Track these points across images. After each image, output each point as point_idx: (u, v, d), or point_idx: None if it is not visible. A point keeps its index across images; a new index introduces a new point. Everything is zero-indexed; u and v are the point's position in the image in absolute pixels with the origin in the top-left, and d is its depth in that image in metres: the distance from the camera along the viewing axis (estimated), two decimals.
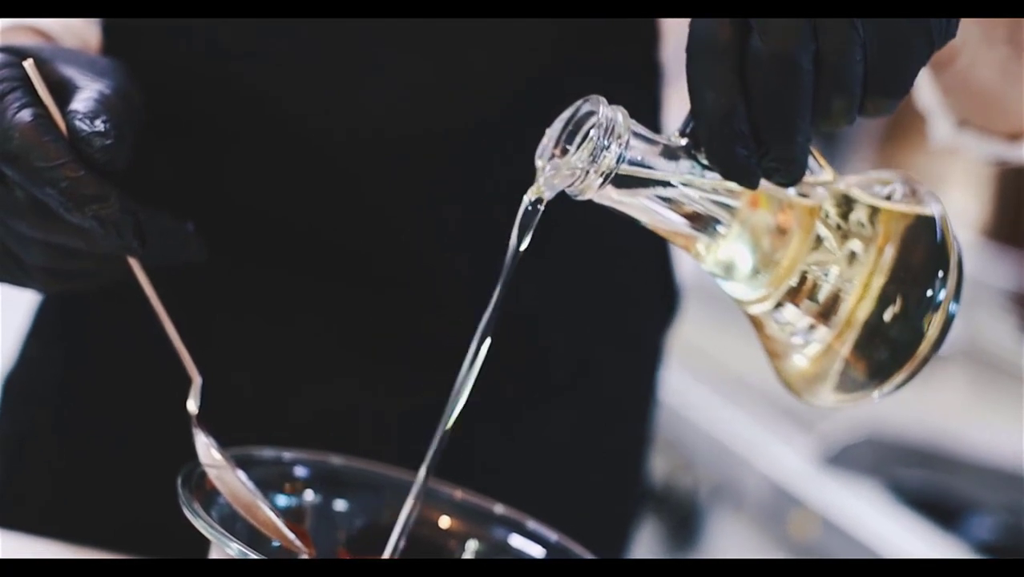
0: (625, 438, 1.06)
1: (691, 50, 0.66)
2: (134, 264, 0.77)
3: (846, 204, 0.72)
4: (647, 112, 0.96)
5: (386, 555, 0.75)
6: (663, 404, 1.88)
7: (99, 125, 0.74)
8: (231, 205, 0.93)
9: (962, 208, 3.27)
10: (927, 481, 1.73)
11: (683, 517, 1.85)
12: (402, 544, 0.75)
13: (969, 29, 0.83)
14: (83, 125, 0.74)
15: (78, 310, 0.99)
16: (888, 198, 0.72)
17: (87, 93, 0.76)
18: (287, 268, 0.94)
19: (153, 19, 0.90)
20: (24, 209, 0.76)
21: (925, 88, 0.99)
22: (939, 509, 1.65)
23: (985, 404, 2.27)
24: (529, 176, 0.72)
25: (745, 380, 1.91)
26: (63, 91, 0.77)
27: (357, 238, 0.93)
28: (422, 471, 0.75)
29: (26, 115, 0.74)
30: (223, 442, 0.78)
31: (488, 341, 0.74)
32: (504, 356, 0.96)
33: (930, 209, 0.72)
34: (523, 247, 0.72)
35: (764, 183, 0.68)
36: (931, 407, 2.10)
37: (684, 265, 1.04)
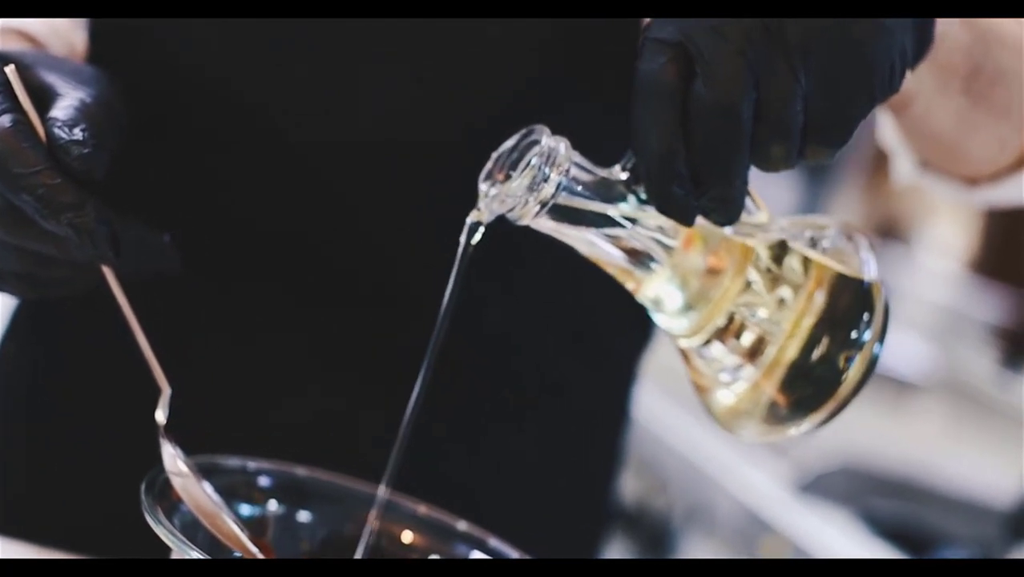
0: (596, 457, 1.07)
1: (636, 89, 0.68)
2: (108, 273, 0.77)
3: (779, 249, 0.74)
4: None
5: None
6: (639, 425, 1.89)
7: (78, 134, 0.75)
8: (214, 213, 0.93)
9: (949, 241, 3.28)
10: (900, 511, 1.74)
11: (655, 538, 1.86)
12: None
13: (923, 79, 0.84)
14: (62, 133, 0.75)
15: (53, 315, 1.00)
16: (817, 243, 0.74)
17: (68, 101, 0.76)
18: (266, 279, 0.94)
19: (140, 22, 0.90)
20: (0, 215, 0.76)
21: (887, 128, 1.00)
22: (911, 540, 1.66)
23: (962, 436, 2.29)
24: None
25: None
26: (44, 98, 0.77)
27: (339, 250, 0.93)
28: (382, 486, 0.76)
29: (5, 120, 0.74)
30: (193, 452, 0.78)
31: (434, 354, 0.77)
32: (475, 373, 0.98)
33: (860, 257, 0.74)
34: (466, 257, 0.75)
35: (701, 222, 0.70)
36: (908, 437, 2.11)
37: None
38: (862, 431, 1.99)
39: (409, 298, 0.93)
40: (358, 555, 0.77)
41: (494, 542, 0.81)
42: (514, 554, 0.80)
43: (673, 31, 0.67)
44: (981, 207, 0.91)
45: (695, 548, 1.81)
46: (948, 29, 0.81)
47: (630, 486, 1.93)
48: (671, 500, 1.86)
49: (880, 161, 3.16)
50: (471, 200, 0.79)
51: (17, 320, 1.04)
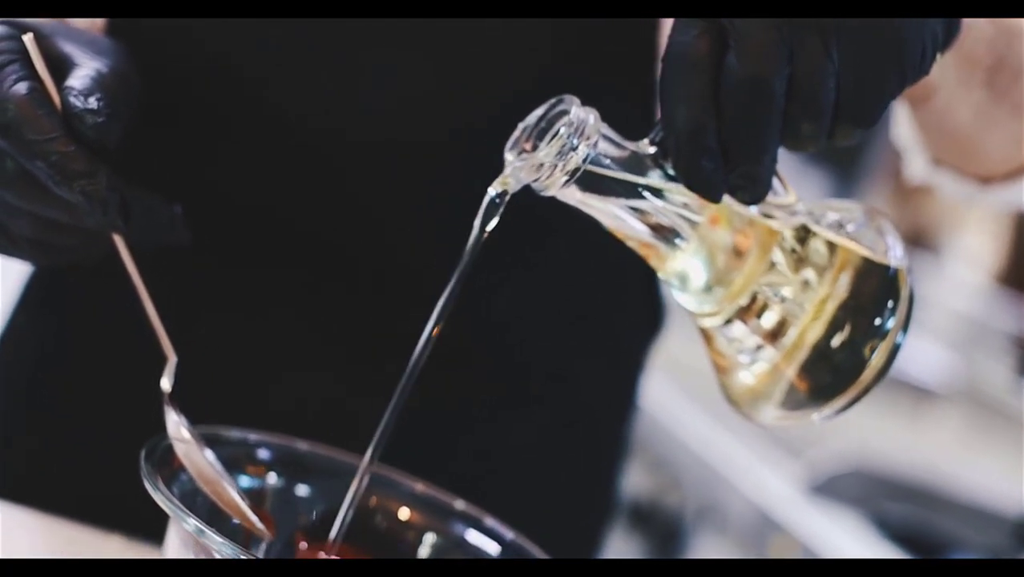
0: (600, 448, 1.07)
1: (667, 61, 0.67)
2: (118, 242, 0.78)
3: (805, 231, 0.73)
4: (641, 124, 0.97)
5: (332, 535, 0.76)
6: (653, 422, 1.90)
7: (92, 103, 0.76)
8: (222, 196, 0.94)
9: (976, 252, 3.27)
10: (911, 516, 1.73)
11: (667, 535, 1.86)
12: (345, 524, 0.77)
13: (946, 70, 0.84)
14: (77, 101, 0.76)
15: (67, 285, 1.01)
16: (843, 227, 0.73)
17: (84, 71, 0.77)
18: (273, 260, 0.95)
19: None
20: (14, 180, 0.77)
21: (903, 124, 1.00)
22: (921, 544, 1.66)
23: (978, 445, 2.28)
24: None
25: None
26: (61, 67, 0.78)
27: (344, 236, 0.94)
28: (368, 452, 0.77)
29: (22, 88, 0.75)
30: (196, 423, 0.79)
31: (437, 328, 0.76)
32: (481, 360, 0.98)
33: (887, 243, 0.73)
34: (484, 236, 0.74)
35: (727, 200, 0.69)
36: (924, 443, 2.11)
37: None
38: (877, 435, 1.99)
39: (411, 287, 0.94)
40: (336, 526, 0.77)
41: (490, 522, 0.81)
42: (509, 535, 0.81)
43: None
44: (992, 207, 0.92)
45: (706, 546, 1.81)
46: (973, 20, 0.81)
47: (643, 483, 1.93)
48: (683, 498, 1.87)
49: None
50: (473, 194, 0.80)
51: (30, 291, 1.05)
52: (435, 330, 0.76)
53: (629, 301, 1.03)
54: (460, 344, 0.96)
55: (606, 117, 0.73)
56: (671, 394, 1.94)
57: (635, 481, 1.93)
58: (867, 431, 1.97)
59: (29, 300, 1.05)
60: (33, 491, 0.97)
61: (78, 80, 0.77)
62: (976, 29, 0.83)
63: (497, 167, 0.78)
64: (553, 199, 0.71)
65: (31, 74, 0.76)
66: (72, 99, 0.76)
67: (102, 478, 0.97)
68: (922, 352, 2.45)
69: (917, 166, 1.00)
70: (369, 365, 0.96)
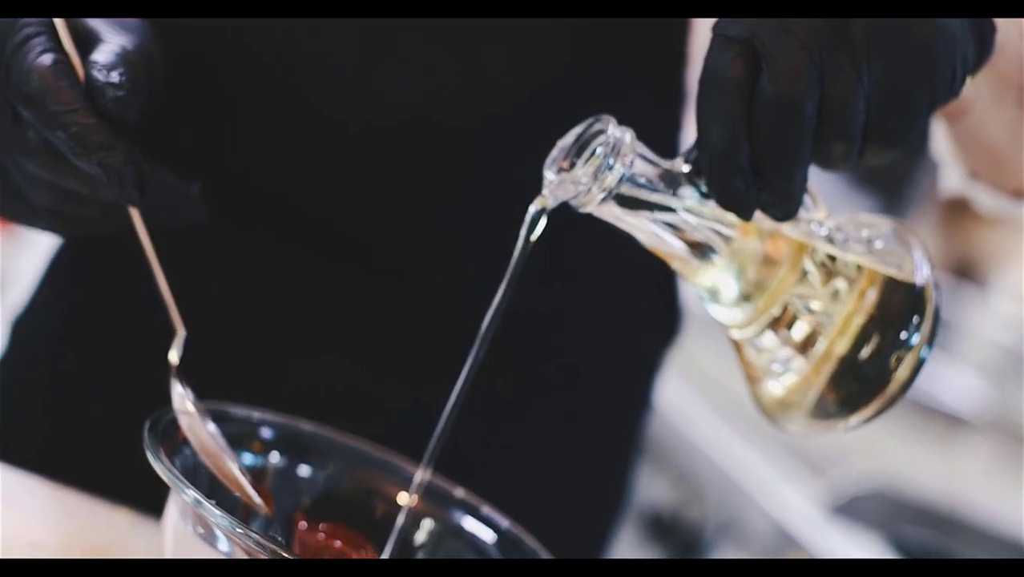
0: (611, 447, 1.07)
1: (703, 82, 0.69)
2: (134, 215, 0.80)
3: (835, 245, 0.75)
4: (666, 129, 0.98)
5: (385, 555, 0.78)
6: (680, 436, 1.90)
7: (115, 77, 0.77)
8: (241, 177, 0.95)
9: (1019, 280, 3.25)
10: (930, 541, 1.73)
11: (687, 546, 1.86)
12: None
13: (980, 89, 0.85)
14: (99, 75, 0.77)
15: (90, 261, 1.02)
16: (872, 242, 0.75)
17: (109, 46, 0.79)
18: (290, 244, 0.96)
19: None
20: (36, 150, 0.79)
21: (939, 137, 1.00)
22: None
23: (1007, 476, 2.27)
24: (536, 175, 0.75)
25: (762, 421, 1.91)
26: (87, 42, 0.79)
27: (361, 222, 0.95)
28: (421, 469, 0.79)
29: (47, 59, 0.77)
30: (206, 399, 0.80)
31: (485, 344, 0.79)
32: (497, 353, 0.99)
33: (914, 259, 0.75)
34: (528, 248, 0.76)
35: (759, 216, 0.71)
36: (950, 471, 2.10)
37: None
38: (905, 459, 1.98)
39: (427, 275, 0.95)
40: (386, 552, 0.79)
41: (487, 510, 0.82)
42: (505, 524, 0.82)
43: (741, 29, 0.69)
44: None
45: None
46: (1007, 40, 0.82)
47: (666, 495, 1.93)
48: (705, 511, 1.87)
49: (958, 201, 3.14)
50: (492, 183, 0.81)
51: (55, 266, 1.06)
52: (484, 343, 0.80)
53: (645, 302, 1.03)
54: (474, 334, 0.97)
55: (634, 114, 0.74)
56: (699, 409, 1.94)
57: (658, 492, 1.93)
58: (894, 454, 1.97)
59: (54, 276, 1.07)
60: (46, 460, 0.98)
61: (102, 55, 0.78)
62: (1009, 49, 0.83)
63: (516, 161, 0.78)
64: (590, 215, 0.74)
65: (56, 47, 0.78)
66: (95, 73, 0.77)
67: (114, 450, 0.98)
68: (957, 380, 2.44)
69: (952, 179, 1.01)
70: (382, 351, 0.96)
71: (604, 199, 0.71)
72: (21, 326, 1.07)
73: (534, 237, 0.75)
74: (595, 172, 0.71)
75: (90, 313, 1.02)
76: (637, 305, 1.02)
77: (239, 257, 0.97)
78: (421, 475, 0.80)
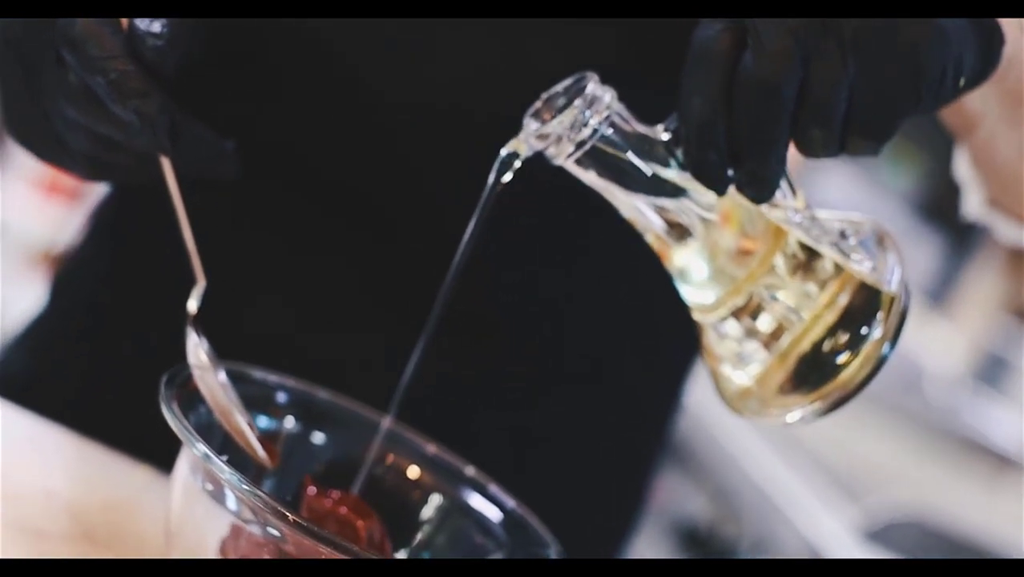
0: (635, 445, 1.07)
1: (689, 55, 0.69)
2: (165, 165, 0.80)
3: (808, 238, 0.74)
4: None
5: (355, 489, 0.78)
6: (724, 454, 1.89)
7: (156, 27, 0.78)
8: (281, 144, 0.95)
9: None
10: None
11: None
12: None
13: (988, 102, 0.84)
14: (141, 24, 0.78)
15: (132, 217, 1.03)
16: (847, 237, 0.74)
17: None
18: (321, 214, 0.96)
19: None
20: (76, 94, 0.79)
21: (961, 162, 0.99)
22: None
23: None
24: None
25: (803, 443, 1.91)
26: None
27: (394, 201, 0.95)
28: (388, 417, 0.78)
29: None
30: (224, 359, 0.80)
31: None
32: (521, 341, 0.98)
33: (887, 260, 0.74)
34: (496, 190, 0.76)
35: (736, 198, 0.71)
36: (993, 509, 2.08)
37: None
38: (945, 492, 1.96)
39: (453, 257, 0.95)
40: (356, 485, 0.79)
41: (494, 489, 0.82)
42: (511, 503, 0.81)
43: None
44: None
45: None
46: (1017, 54, 0.81)
47: (704, 509, 1.93)
48: (740, 529, 1.86)
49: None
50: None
51: (98, 219, 1.07)
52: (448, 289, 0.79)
53: (677, 308, 1.02)
54: (504, 331, 0.97)
55: (665, 113, 0.73)
56: (743, 429, 1.94)
57: (697, 506, 1.92)
58: (935, 486, 1.95)
59: (97, 231, 1.07)
60: (77, 413, 0.98)
61: None
62: (1019, 65, 0.82)
63: None
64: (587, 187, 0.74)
65: None
66: (137, 21, 0.78)
67: (142, 407, 0.98)
68: (1008, 420, 2.42)
69: (972, 204, 0.99)
70: (404, 327, 0.96)
71: (574, 152, 0.72)
72: (61, 281, 1.08)
73: (505, 179, 0.76)
74: (571, 124, 0.71)
75: (128, 269, 1.02)
76: (668, 302, 1.01)
77: (270, 221, 0.97)
78: (388, 422, 0.81)
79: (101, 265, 1.05)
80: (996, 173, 0.95)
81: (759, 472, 1.86)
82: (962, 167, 1.00)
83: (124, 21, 0.78)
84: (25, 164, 2.89)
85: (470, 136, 0.92)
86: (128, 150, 0.81)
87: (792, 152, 0.71)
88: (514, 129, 0.92)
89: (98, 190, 1.09)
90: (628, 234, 0.95)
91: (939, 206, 3.18)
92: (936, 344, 2.77)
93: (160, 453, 0.92)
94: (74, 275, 1.07)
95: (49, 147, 0.83)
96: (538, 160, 0.74)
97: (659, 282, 0.99)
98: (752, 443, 1.92)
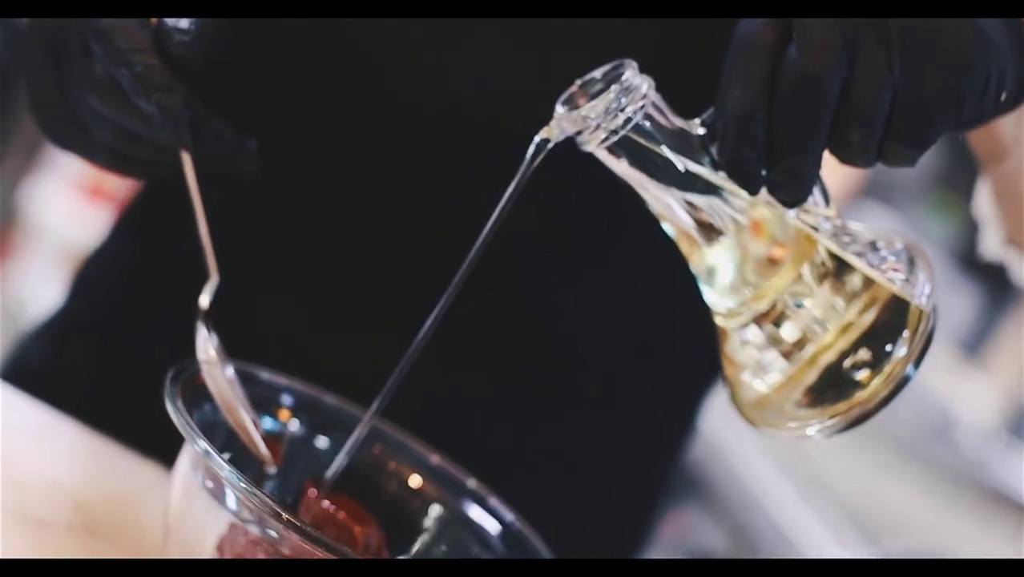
0: (643, 468, 1.06)
1: (731, 47, 0.68)
2: (185, 160, 0.81)
3: (838, 249, 0.73)
4: None
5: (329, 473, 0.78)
6: (743, 490, 1.88)
7: (183, 23, 0.79)
8: (301, 146, 0.95)
9: None
10: None
11: None
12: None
13: (1020, 130, 0.83)
14: (168, 20, 0.79)
15: (158, 216, 1.03)
16: (878, 250, 0.73)
17: None
18: (338, 216, 0.96)
19: None
20: (101, 85, 0.80)
21: (982, 197, 0.98)
22: None
23: None
24: (597, 177, 0.74)
25: (823, 480, 1.90)
26: None
27: (413, 207, 0.95)
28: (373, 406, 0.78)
29: None
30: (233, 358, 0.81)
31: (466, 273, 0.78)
32: (537, 359, 0.98)
33: (918, 277, 0.73)
34: (526, 178, 0.75)
35: (768, 200, 0.70)
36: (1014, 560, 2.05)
37: None
38: (965, 540, 1.95)
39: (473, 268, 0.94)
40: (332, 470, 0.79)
41: (494, 501, 0.81)
42: (510, 516, 0.81)
43: None
44: None
45: None
46: None
47: (723, 543, 1.92)
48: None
49: None
50: (545, 179, 0.80)
51: (126, 216, 1.07)
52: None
53: (695, 324, 1.02)
54: (518, 337, 0.96)
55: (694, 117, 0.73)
56: (766, 465, 1.93)
57: (716, 540, 1.92)
58: (954, 533, 1.94)
59: (123, 228, 1.08)
60: (92, 407, 0.99)
61: None
62: None
63: (574, 162, 0.78)
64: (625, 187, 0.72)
65: None
66: (164, 17, 0.78)
67: (154, 403, 0.98)
68: None
69: (991, 242, 0.99)
70: (417, 328, 0.96)
71: (606, 140, 0.70)
72: (82, 276, 1.08)
73: (533, 167, 0.74)
74: (604, 110, 0.70)
75: (146, 266, 1.03)
76: (684, 324, 1.01)
77: (287, 221, 0.97)
78: (369, 418, 0.79)
79: (121, 262, 1.05)
80: (1018, 206, 0.94)
81: (778, 508, 1.85)
82: (983, 203, 0.99)
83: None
84: (68, 168, 2.91)
85: (490, 141, 0.92)
86: (150, 144, 0.82)
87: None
88: (535, 134, 0.92)
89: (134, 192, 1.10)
90: (648, 255, 0.95)
91: (978, 256, 3.16)
92: (970, 395, 2.75)
93: (168, 450, 0.92)
94: (94, 271, 1.08)
95: (73, 137, 0.84)
96: (561, 171, 0.73)
97: (678, 304, 0.99)
98: (772, 479, 1.91)
